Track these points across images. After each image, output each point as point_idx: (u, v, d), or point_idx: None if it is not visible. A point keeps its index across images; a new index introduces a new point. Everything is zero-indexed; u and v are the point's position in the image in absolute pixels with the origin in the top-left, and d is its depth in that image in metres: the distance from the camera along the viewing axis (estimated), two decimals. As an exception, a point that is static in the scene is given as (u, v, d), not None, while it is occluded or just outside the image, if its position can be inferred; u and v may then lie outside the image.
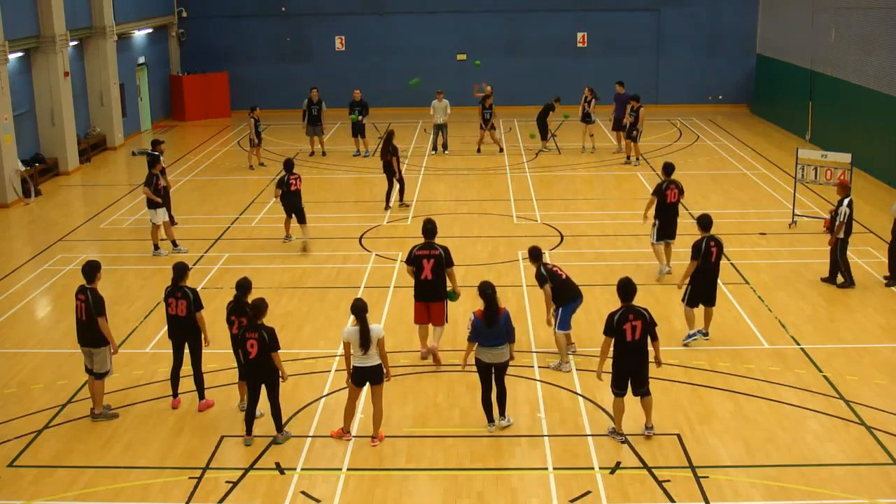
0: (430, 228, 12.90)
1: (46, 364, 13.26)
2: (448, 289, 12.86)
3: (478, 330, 10.74)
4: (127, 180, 25.09)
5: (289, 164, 18.55)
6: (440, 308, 12.84)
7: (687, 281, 13.36)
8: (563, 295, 12.55)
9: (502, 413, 11.07)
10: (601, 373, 10.89)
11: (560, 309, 12.61)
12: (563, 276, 12.61)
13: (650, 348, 10.82)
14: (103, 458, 10.74)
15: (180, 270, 11.67)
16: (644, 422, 10.96)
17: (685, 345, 13.38)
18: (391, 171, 20.87)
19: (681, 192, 16.07)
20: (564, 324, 12.68)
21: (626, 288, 10.72)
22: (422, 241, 12.88)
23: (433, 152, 27.35)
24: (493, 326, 10.73)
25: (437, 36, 34.78)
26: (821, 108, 27.12)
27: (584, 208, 21.24)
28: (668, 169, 16.29)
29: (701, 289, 13.35)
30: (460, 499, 9.81)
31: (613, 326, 10.56)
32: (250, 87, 34.37)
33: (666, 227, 16.05)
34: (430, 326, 13.00)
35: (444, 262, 12.68)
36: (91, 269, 11.50)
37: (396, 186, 21.31)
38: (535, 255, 12.76)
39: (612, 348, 10.72)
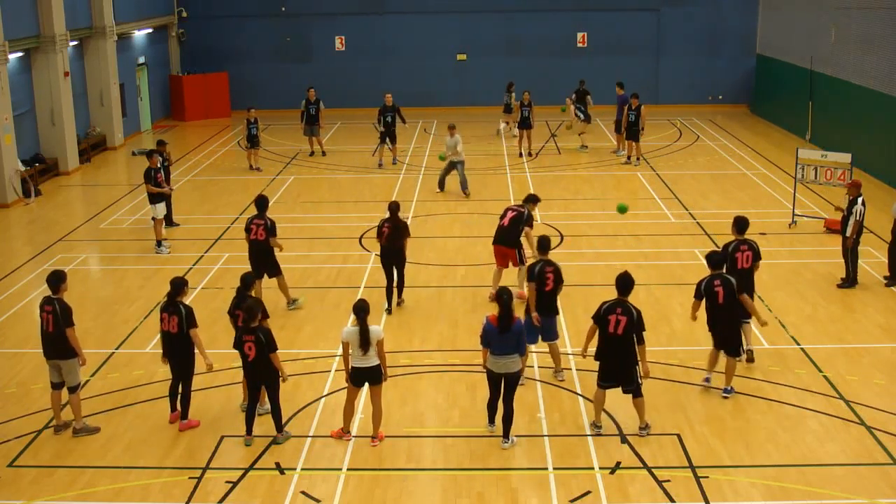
0: (531, 196, 15.42)
1: (46, 364, 13.22)
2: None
3: (488, 335, 10.59)
4: (127, 180, 25.10)
5: (260, 203, 14.91)
6: (514, 254, 14.95)
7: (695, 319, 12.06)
8: (539, 305, 12.17)
9: (506, 436, 10.81)
10: (584, 353, 11.34)
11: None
12: (548, 289, 12.14)
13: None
14: (103, 458, 10.74)
15: (177, 286, 11.31)
16: (638, 423, 10.99)
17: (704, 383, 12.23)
18: (401, 257, 15.01)
19: (756, 255, 12.71)
20: (545, 334, 12.37)
21: (622, 282, 10.99)
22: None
23: (439, 191, 22.74)
24: (505, 334, 10.51)
25: (437, 36, 34.78)
26: (821, 108, 27.11)
27: (584, 208, 21.24)
28: (741, 225, 12.83)
29: (714, 332, 11.95)
30: (460, 499, 9.81)
31: (600, 314, 10.85)
32: (250, 87, 34.38)
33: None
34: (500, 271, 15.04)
35: (523, 219, 14.87)
36: (56, 280, 11.11)
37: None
38: (541, 246, 12.54)
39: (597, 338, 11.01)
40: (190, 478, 10.26)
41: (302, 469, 10.41)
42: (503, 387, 10.72)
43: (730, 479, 10.08)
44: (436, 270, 16.91)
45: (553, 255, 17.48)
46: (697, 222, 19.67)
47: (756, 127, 30.96)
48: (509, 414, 10.74)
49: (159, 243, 18.31)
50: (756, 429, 11.14)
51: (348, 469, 10.39)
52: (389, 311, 14.91)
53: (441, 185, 22.72)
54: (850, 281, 15.74)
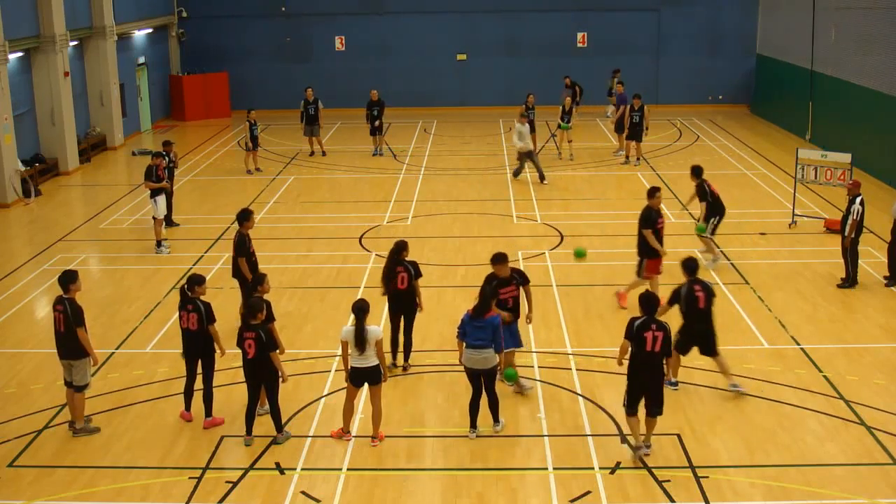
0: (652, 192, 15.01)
1: (46, 364, 13.24)
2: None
3: (463, 324, 10.72)
4: (127, 180, 25.10)
5: (241, 216, 14.08)
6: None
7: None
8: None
9: (496, 419, 10.94)
10: (620, 362, 10.65)
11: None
12: (513, 299, 11.78)
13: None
14: (103, 458, 10.74)
15: (194, 282, 11.34)
16: (643, 439, 10.54)
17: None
18: (409, 304, 13.00)
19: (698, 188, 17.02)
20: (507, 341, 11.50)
21: (649, 300, 10.36)
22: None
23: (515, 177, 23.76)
24: (477, 320, 10.56)
25: (437, 36, 34.78)
26: (821, 108, 27.11)
27: (584, 208, 21.23)
28: (697, 171, 17.32)
29: (689, 336, 11.68)
30: (460, 499, 9.81)
31: (633, 331, 10.20)
32: (250, 87, 34.40)
33: (713, 211, 16.94)
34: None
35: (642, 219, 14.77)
36: (67, 279, 11.06)
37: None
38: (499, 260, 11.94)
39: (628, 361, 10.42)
40: (190, 478, 10.26)
41: (302, 469, 10.41)
42: (483, 383, 10.82)
43: (730, 479, 10.08)
44: (436, 270, 16.90)
45: (553, 255, 17.62)
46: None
47: (756, 127, 30.96)
48: (494, 401, 10.94)
49: (159, 243, 18.33)
50: (756, 429, 11.13)
51: (348, 469, 10.39)
52: (395, 365, 12.88)
53: (517, 173, 23.94)
54: (849, 281, 15.74)
